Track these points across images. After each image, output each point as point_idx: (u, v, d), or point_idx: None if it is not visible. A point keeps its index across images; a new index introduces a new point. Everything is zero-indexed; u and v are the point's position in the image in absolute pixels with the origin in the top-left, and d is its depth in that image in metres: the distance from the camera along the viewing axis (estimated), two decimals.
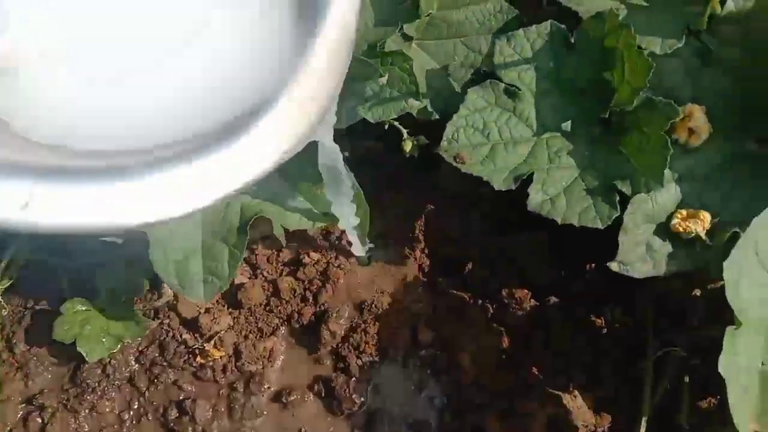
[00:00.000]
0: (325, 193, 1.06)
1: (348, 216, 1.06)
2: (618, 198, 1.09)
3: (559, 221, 1.09)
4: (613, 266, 1.12)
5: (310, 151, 1.04)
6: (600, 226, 1.08)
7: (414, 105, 1.18)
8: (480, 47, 1.28)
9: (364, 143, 1.42)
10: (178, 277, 1.08)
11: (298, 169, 1.11)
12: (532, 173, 1.12)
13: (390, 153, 1.43)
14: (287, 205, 1.14)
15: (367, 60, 1.11)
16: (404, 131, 1.26)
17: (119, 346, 1.21)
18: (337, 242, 1.34)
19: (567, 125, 1.18)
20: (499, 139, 1.16)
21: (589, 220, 1.08)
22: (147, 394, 1.23)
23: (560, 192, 1.11)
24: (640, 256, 1.12)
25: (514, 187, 1.12)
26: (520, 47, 1.18)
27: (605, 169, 1.13)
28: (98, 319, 1.22)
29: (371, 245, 1.27)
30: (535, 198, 1.10)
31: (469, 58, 1.29)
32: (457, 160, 1.14)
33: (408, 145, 1.26)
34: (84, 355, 1.17)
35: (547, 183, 1.12)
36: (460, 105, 1.16)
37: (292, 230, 1.29)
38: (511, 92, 1.17)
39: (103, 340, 1.19)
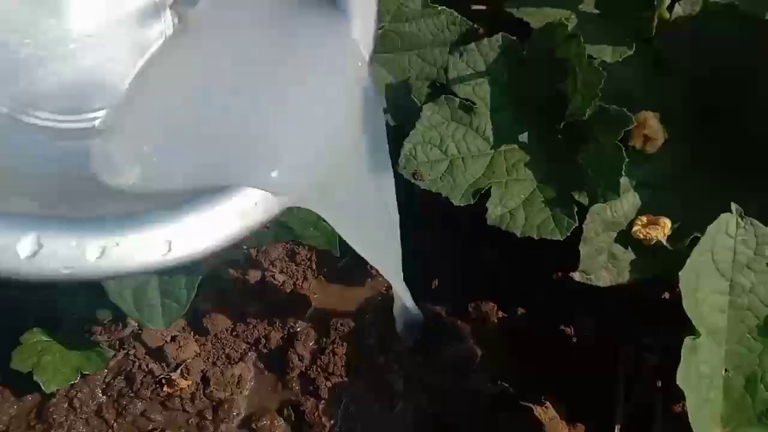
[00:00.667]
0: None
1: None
2: (576, 209, 1.09)
3: (519, 234, 1.09)
4: (576, 276, 1.13)
5: None
6: (559, 237, 1.07)
7: None
8: (435, 59, 1.28)
9: None
10: (135, 305, 1.07)
11: None
12: (491, 187, 1.12)
13: None
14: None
15: None
16: None
17: (77, 377, 1.19)
18: (303, 262, 1.34)
19: (524, 137, 1.18)
20: (457, 154, 1.16)
21: (548, 232, 1.08)
22: (115, 425, 1.22)
23: (519, 205, 1.11)
24: (602, 264, 1.12)
25: (472, 202, 1.11)
26: (473, 61, 1.18)
27: (562, 180, 1.13)
28: (57, 349, 1.20)
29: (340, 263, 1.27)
30: (494, 212, 1.10)
31: (424, 70, 1.29)
32: (416, 176, 1.14)
33: None
34: (41, 385, 1.15)
35: (505, 196, 1.12)
36: (416, 122, 1.16)
37: (258, 250, 1.29)
38: (467, 107, 1.17)
39: (62, 370, 1.17)
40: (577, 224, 1.08)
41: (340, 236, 1.11)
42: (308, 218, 1.10)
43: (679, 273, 0.92)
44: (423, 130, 1.16)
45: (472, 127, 1.17)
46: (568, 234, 1.07)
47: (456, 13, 1.25)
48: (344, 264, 1.34)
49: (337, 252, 1.13)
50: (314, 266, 1.35)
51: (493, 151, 1.17)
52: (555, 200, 1.10)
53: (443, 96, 1.17)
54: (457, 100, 1.17)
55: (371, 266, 1.34)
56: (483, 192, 1.11)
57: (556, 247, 1.28)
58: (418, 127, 1.16)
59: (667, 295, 1.31)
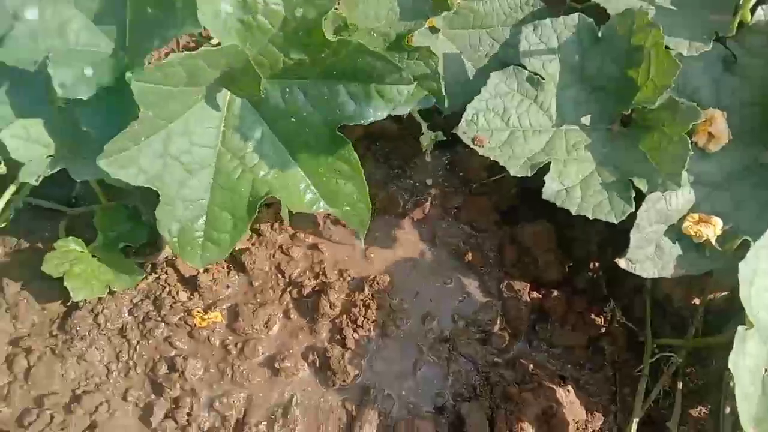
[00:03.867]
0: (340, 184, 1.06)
1: None
2: (633, 194, 1.09)
3: (573, 212, 1.08)
4: (621, 263, 1.12)
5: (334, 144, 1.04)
6: (614, 220, 1.07)
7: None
8: (503, 38, 1.29)
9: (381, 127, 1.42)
10: (178, 239, 1.06)
11: (311, 157, 1.09)
12: (549, 162, 1.12)
13: (405, 138, 1.44)
14: (301, 187, 1.11)
15: (391, 59, 1.05)
16: (424, 125, 1.26)
17: (106, 292, 1.18)
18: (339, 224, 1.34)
19: (586, 119, 1.18)
20: (518, 126, 1.16)
21: (603, 213, 1.08)
22: (138, 347, 1.21)
23: (576, 184, 1.11)
24: (648, 255, 1.12)
25: (530, 174, 1.11)
26: (546, 37, 1.18)
27: (622, 165, 1.12)
28: (90, 261, 1.19)
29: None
30: (551, 187, 1.10)
31: (493, 48, 1.29)
32: (476, 142, 1.14)
33: (426, 140, 1.26)
34: (70, 292, 1.15)
35: (563, 174, 1.11)
36: (482, 88, 1.16)
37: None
38: (534, 81, 1.17)
39: (92, 282, 1.16)
40: (632, 210, 1.08)
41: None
42: (348, 197, 1.09)
43: (740, 263, 0.92)
44: (487, 98, 1.16)
45: (536, 102, 1.17)
46: (623, 218, 1.07)
47: None
48: (382, 226, 1.35)
49: (362, 234, 1.12)
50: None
51: (554, 128, 1.17)
52: (613, 184, 1.10)
53: (513, 67, 1.17)
54: (526, 72, 1.17)
55: (409, 232, 1.35)
56: (541, 167, 1.11)
57: (593, 234, 1.29)
58: (483, 93, 1.16)
59: (696, 301, 1.31)
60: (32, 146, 1.05)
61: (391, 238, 1.34)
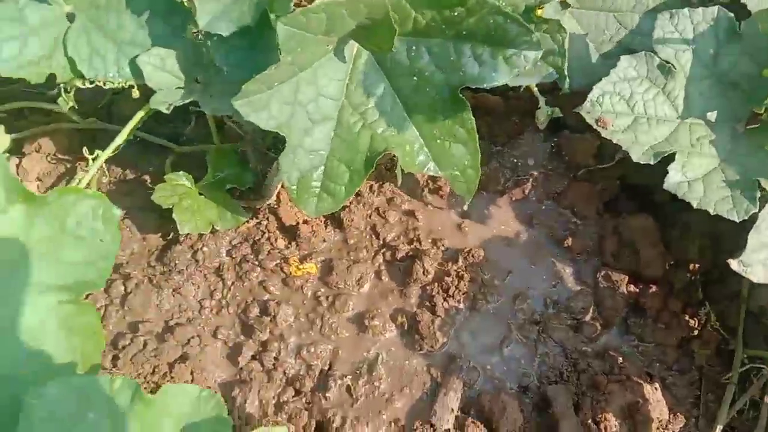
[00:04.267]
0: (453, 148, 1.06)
1: None
2: (759, 195, 1.06)
3: (695, 205, 1.06)
4: (733, 264, 1.09)
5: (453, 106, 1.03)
6: (736, 218, 1.04)
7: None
8: (632, 24, 1.26)
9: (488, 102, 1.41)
10: (297, 187, 1.07)
11: (428, 118, 1.08)
12: (674, 153, 1.09)
13: (511, 115, 1.42)
14: (415, 148, 1.10)
15: (524, 22, 1.04)
16: (542, 99, 1.24)
17: (209, 230, 1.21)
18: (452, 194, 1.33)
19: (713, 115, 1.15)
20: (642, 113, 1.14)
21: (725, 210, 1.05)
22: (232, 287, 1.23)
23: (699, 177, 1.08)
24: (762, 260, 1.09)
25: (652, 162, 1.09)
26: (682, 26, 1.15)
27: (747, 165, 1.09)
28: (197, 198, 1.22)
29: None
30: (674, 177, 1.08)
31: (619, 33, 1.26)
32: (599, 123, 1.12)
33: (542, 115, 1.24)
34: (177, 224, 1.17)
35: (687, 166, 1.09)
36: (611, 70, 1.14)
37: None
38: (665, 69, 1.14)
39: (197, 218, 1.19)
40: (756, 210, 1.05)
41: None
42: (459, 162, 1.08)
43: None
44: (615, 80, 1.14)
45: (664, 92, 1.15)
46: (745, 217, 1.04)
47: None
48: (486, 200, 1.34)
49: (468, 200, 1.10)
50: (460, 198, 1.34)
51: (679, 120, 1.14)
52: (737, 182, 1.07)
53: (644, 52, 1.15)
54: (657, 59, 1.14)
55: (510, 208, 1.34)
56: (666, 156, 1.09)
57: (699, 236, 1.26)
58: (612, 75, 1.13)
59: None
60: (165, 75, 1.07)
61: (488, 214, 1.33)
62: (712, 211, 1.05)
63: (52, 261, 0.80)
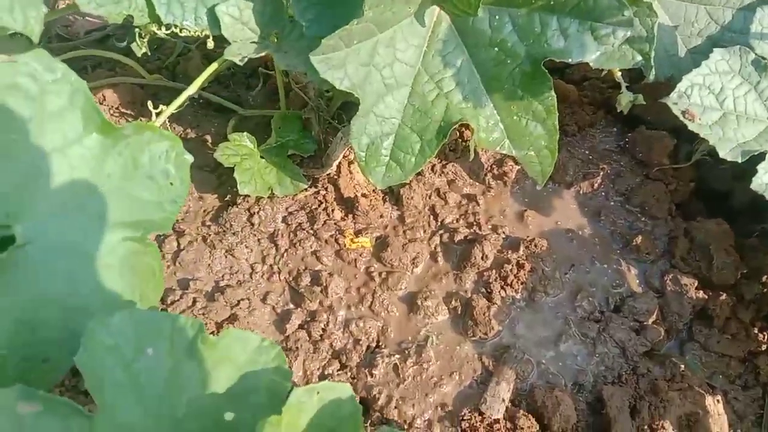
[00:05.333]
0: (530, 126, 1.01)
1: None
2: None
3: None
4: None
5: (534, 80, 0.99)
6: None
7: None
8: (724, 19, 1.20)
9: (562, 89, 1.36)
10: (366, 154, 1.04)
11: (507, 92, 1.04)
12: (764, 153, 1.03)
13: (585, 105, 1.37)
14: (490, 123, 1.06)
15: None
16: (624, 85, 1.19)
17: (267, 194, 1.18)
18: (517, 181, 1.29)
19: None
20: (732, 110, 1.08)
21: None
22: (285, 255, 1.21)
23: None
24: None
25: (740, 161, 1.03)
26: None
27: None
28: (258, 161, 1.20)
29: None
30: (762, 179, 1.02)
31: (709, 27, 1.20)
32: (686, 116, 1.06)
33: (625, 99, 1.19)
34: (238, 184, 1.15)
35: None
36: (703, 61, 1.08)
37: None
38: (760, 65, 1.08)
39: (257, 181, 1.17)
40: None
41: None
42: (536, 141, 1.04)
43: None
44: (706, 73, 1.08)
45: (756, 90, 1.08)
46: None
47: None
48: (544, 196, 1.29)
49: (541, 183, 1.06)
50: (525, 186, 1.30)
51: None
52: None
53: (739, 46, 1.09)
54: (753, 55, 1.08)
55: (579, 201, 1.29)
56: (755, 155, 1.03)
57: None
58: (703, 67, 1.08)
59: None
60: (242, 27, 1.05)
61: (553, 205, 1.28)
62: None
63: (122, 196, 0.78)
